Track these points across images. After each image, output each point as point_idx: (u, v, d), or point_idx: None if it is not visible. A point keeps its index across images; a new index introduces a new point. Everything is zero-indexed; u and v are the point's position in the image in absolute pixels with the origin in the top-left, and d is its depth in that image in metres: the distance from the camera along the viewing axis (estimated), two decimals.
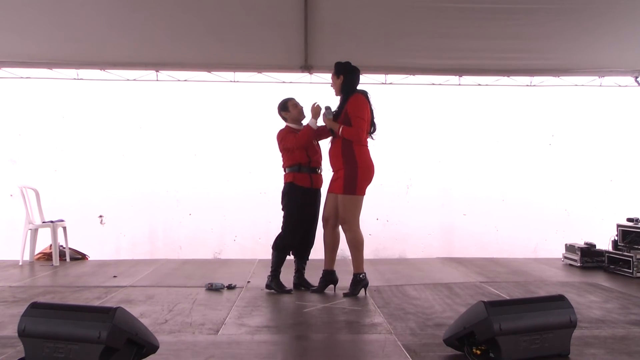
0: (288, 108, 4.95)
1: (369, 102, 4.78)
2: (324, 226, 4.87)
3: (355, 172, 4.64)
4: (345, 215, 4.70)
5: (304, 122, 4.95)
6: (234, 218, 7.84)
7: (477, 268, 6.24)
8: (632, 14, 6.04)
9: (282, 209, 4.93)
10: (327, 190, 4.86)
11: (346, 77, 4.77)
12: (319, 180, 4.92)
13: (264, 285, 4.91)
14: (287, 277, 4.96)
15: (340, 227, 4.86)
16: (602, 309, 4.31)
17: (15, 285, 5.21)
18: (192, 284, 5.24)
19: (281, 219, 4.94)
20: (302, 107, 5.00)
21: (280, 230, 4.92)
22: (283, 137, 4.90)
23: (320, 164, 4.94)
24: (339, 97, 4.84)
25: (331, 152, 4.80)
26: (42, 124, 7.71)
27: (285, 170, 4.93)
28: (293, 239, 4.83)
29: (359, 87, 4.87)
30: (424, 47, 6.35)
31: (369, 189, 4.80)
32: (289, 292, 4.79)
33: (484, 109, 7.93)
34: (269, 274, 4.88)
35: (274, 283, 4.83)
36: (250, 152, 7.68)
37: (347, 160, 4.66)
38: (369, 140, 4.82)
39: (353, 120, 4.63)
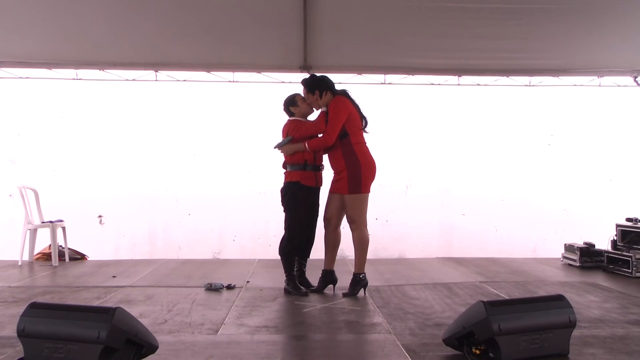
0: (297, 103, 4.87)
1: (350, 99, 4.79)
2: (326, 226, 4.86)
3: (359, 171, 4.65)
4: (353, 215, 4.71)
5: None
6: (233, 218, 7.85)
7: (477, 268, 6.24)
8: (631, 15, 6.04)
9: (285, 210, 4.85)
10: (329, 190, 4.85)
11: (321, 89, 4.78)
12: (321, 179, 4.89)
13: (283, 290, 4.84)
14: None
15: (341, 227, 4.88)
16: (602, 308, 4.31)
17: (15, 285, 5.21)
18: (191, 284, 5.23)
19: (282, 220, 4.88)
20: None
21: (282, 233, 4.87)
22: (297, 126, 4.80)
23: (322, 162, 4.90)
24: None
25: (331, 154, 4.79)
26: (41, 124, 7.71)
27: (286, 169, 4.87)
28: (299, 240, 4.77)
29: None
30: (423, 47, 6.34)
31: None
32: (305, 294, 4.73)
33: (483, 109, 7.93)
34: (285, 279, 4.83)
35: (291, 286, 4.78)
36: (249, 152, 7.67)
37: (349, 160, 4.66)
38: (366, 135, 4.82)
39: (329, 122, 4.66)
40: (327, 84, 4.84)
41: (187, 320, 3.92)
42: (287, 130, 4.84)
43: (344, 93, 4.83)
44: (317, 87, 4.80)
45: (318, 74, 5.01)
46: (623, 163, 8.04)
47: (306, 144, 4.71)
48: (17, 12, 5.78)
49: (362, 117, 4.82)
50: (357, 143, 4.70)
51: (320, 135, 4.74)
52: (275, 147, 4.84)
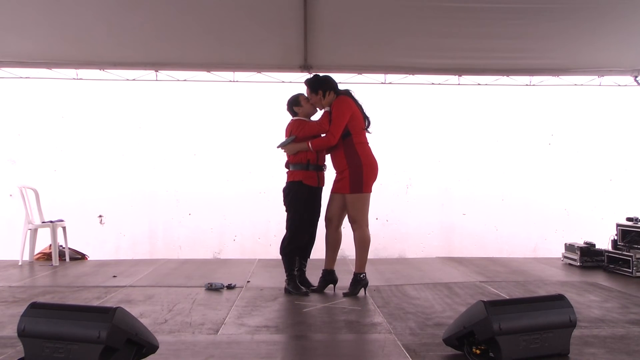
0: (301, 103, 4.87)
1: (354, 99, 4.80)
2: (327, 226, 4.85)
3: (361, 171, 4.65)
4: (355, 214, 4.71)
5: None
6: (233, 218, 7.85)
7: (477, 267, 6.24)
8: (631, 14, 6.02)
9: (286, 210, 4.84)
10: (331, 190, 4.85)
11: (324, 89, 4.78)
12: (323, 179, 4.89)
13: (283, 289, 4.84)
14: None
15: (342, 227, 4.89)
16: (602, 308, 4.31)
17: (15, 285, 5.21)
18: (191, 283, 5.23)
19: (283, 219, 4.87)
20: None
21: (283, 232, 4.86)
22: (300, 125, 4.79)
23: (324, 162, 4.90)
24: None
25: (334, 154, 4.80)
26: (42, 124, 7.72)
27: (288, 168, 4.86)
28: (301, 240, 4.77)
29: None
30: (423, 46, 6.34)
31: None
32: (306, 294, 4.73)
33: (483, 108, 7.93)
34: (285, 278, 4.83)
35: (291, 286, 4.78)
36: (250, 152, 7.68)
37: (351, 160, 4.66)
38: (367, 135, 4.82)
39: (332, 122, 4.67)
40: (331, 84, 4.84)
41: (187, 320, 3.92)
42: (291, 129, 4.84)
43: (347, 93, 4.83)
44: (321, 87, 4.79)
45: (321, 74, 5.00)
46: (623, 163, 8.04)
47: (309, 144, 4.70)
48: (17, 12, 5.77)
49: (365, 117, 4.82)
50: (359, 143, 4.70)
51: (323, 135, 4.74)
52: (278, 147, 4.84)
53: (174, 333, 3.60)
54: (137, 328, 2.84)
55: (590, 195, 8.03)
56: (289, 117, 4.96)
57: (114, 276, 5.63)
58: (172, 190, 7.83)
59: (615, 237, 6.17)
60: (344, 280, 4.87)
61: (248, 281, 5.37)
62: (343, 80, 6.36)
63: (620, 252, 5.97)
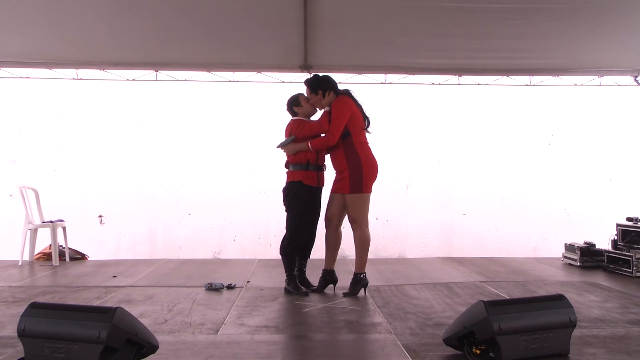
0: (301, 103, 4.86)
1: (353, 99, 4.80)
2: (327, 226, 4.85)
3: (360, 171, 4.65)
4: (355, 214, 4.71)
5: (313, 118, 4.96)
6: (233, 218, 7.85)
7: (477, 267, 6.24)
8: (631, 14, 6.03)
9: (286, 210, 4.84)
10: (331, 190, 4.85)
11: (324, 89, 4.78)
12: (323, 179, 4.89)
13: (283, 289, 4.84)
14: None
15: (342, 227, 4.89)
16: (602, 308, 4.31)
17: (15, 285, 5.21)
18: (191, 283, 5.24)
19: (283, 219, 4.87)
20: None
21: (283, 232, 4.86)
22: (300, 125, 4.79)
23: (324, 162, 4.89)
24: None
25: (333, 154, 4.80)
26: (42, 124, 7.72)
27: (288, 168, 4.86)
28: (301, 240, 4.77)
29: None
30: (423, 46, 6.35)
31: None
32: (306, 294, 4.72)
33: (483, 108, 7.94)
34: (285, 278, 4.83)
35: (291, 286, 4.78)
36: (250, 152, 7.68)
37: (351, 160, 4.66)
38: (367, 135, 4.82)
39: (331, 122, 4.67)
40: (330, 84, 4.84)
41: (187, 320, 3.93)
42: (290, 129, 4.84)
43: (347, 93, 4.83)
44: (320, 87, 4.80)
45: (321, 74, 5.00)
46: (623, 163, 8.04)
47: (309, 144, 4.71)
48: (17, 12, 5.78)
49: (365, 117, 4.82)
50: (359, 143, 4.70)
51: (323, 135, 4.74)
52: (278, 147, 4.84)
53: (174, 333, 3.60)
54: (137, 328, 2.84)
55: (590, 195, 8.03)
56: (288, 117, 4.96)
57: (114, 276, 5.63)
58: (172, 190, 7.84)
59: (615, 237, 6.17)
60: (344, 280, 4.87)
61: (248, 281, 5.37)
62: (343, 80, 6.37)
63: (620, 252, 5.97)
